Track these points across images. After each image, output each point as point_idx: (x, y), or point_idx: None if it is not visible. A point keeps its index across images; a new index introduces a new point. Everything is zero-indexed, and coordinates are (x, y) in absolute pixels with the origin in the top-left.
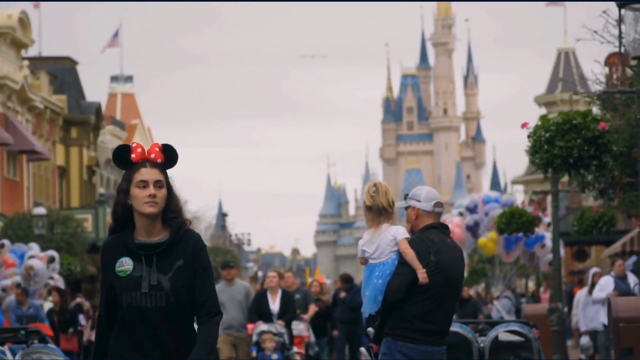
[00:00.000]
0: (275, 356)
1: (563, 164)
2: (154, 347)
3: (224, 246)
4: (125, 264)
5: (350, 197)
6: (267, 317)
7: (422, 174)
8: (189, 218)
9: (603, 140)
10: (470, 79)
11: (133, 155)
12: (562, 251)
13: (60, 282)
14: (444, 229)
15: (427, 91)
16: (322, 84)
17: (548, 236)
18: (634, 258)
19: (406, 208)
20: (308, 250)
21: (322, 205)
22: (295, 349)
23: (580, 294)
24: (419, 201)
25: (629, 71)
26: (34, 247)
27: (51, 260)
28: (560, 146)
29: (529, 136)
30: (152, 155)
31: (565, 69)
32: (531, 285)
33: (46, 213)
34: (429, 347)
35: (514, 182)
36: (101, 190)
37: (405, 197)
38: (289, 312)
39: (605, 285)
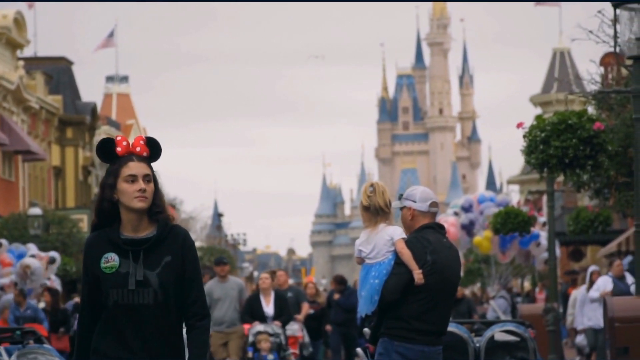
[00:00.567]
0: (271, 357)
1: (558, 163)
2: (140, 345)
3: (220, 246)
4: (111, 260)
5: (346, 197)
6: (261, 320)
7: (417, 174)
8: (183, 217)
9: (598, 140)
10: (465, 79)
11: (119, 149)
12: (558, 251)
13: (57, 283)
14: (440, 229)
15: (422, 91)
16: (318, 84)
17: (543, 235)
18: (629, 258)
19: (401, 208)
20: (304, 250)
21: (317, 205)
22: (290, 349)
23: (577, 293)
24: (414, 201)
25: (624, 71)
26: (31, 248)
27: (52, 261)
28: (556, 146)
29: (524, 136)
30: (138, 149)
31: (561, 68)
32: (527, 285)
33: (42, 213)
34: (425, 347)
35: (510, 182)
36: (97, 190)
37: (400, 197)
38: (284, 314)
39: (603, 285)
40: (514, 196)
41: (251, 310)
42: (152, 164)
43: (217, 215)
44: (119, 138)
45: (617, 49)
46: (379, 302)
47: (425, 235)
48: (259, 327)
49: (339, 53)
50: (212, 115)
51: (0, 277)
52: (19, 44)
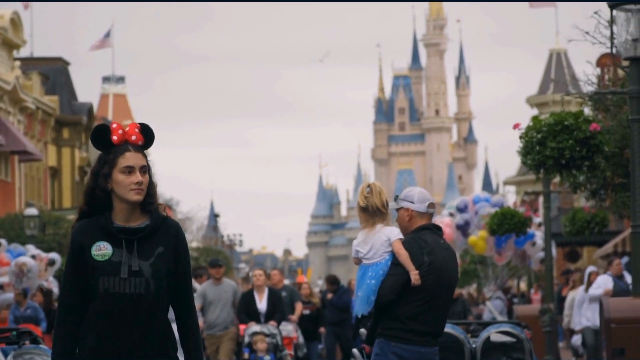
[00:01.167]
0: (267, 357)
1: (555, 164)
2: (127, 338)
3: (216, 247)
4: (104, 248)
5: (342, 198)
6: (254, 316)
7: (414, 175)
8: (179, 217)
9: (595, 141)
10: (462, 80)
11: (114, 137)
12: (554, 252)
13: (54, 285)
14: (437, 230)
15: (418, 92)
16: (314, 84)
17: (538, 234)
18: (625, 259)
19: (398, 209)
20: (300, 251)
21: (314, 206)
22: (286, 350)
23: (575, 293)
24: (412, 202)
25: (620, 72)
26: (31, 249)
27: (51, 263)
28: (552, 147)
29: (520, 137)
30: (134, 137)
31: (557, 69)
32: (523, 285)
33: (38, 214)
34: (421, 347)
35: (506, 183)
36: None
37: (396, 198)
38: (277, 312)
39: (603, 283)
40: (510, 197)
41: (246, 307)
42: (146, 151)
43: (214, 216)
44: (114, 126)
45: (614, 50)
46: (376, 302)
47: (422, 236)
48: (254, 327)
49: (335, 53)
50: (209, 115)
51: None
52: (16, 44)
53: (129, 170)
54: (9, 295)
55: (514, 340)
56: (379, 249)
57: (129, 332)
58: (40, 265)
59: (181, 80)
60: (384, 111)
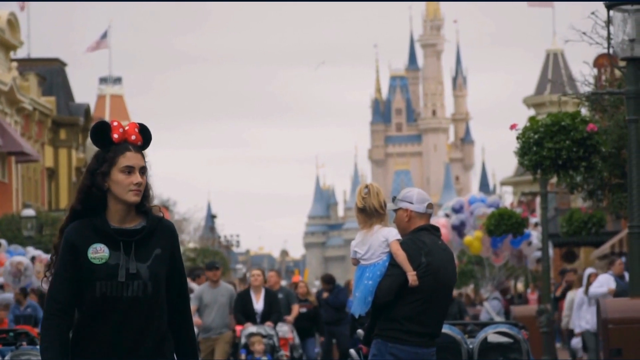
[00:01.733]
0: (264, 358)
1: (552, 165)
2: (125, 340)
3: (213, 248)
4: (100, 251)
5: (339, 199)
6: (250, 316)
7: (411, 176)
8: (176, 218)
9: (592, 141)
10: (459, 80)
11: (115, 135)
12: (551, 252)
13: None
14: (435, 230)
15: (415, 92)
16: (311, 85)
17: (534, 234)
18: (622, 259)
19: (396, 210)
20: (297, 251)
21: (311, 207)
22: (282, 351)
23: (574, 294)
24: (411, 202)
25: (617, 72)
26: (30, 251)
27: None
28: (549, 147)
29: (517, 137)
30: (133, 137)
31: (554, 70)
32: (520, 286)
33: (35, 215)
34: (419, 348)
35: (503, 184)
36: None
37: (394, 199)
38: (273, 312)
39: (606, 282)
40: (508, 198)
41: (243, 307)
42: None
43: (211, 217)
44: (115, 124)
45: (611, 51)
46: (373, 303)
47: (420, 237)
48: (251, 328)
49: (332, 54)
50: (206, 116)
51: None
52: (12, 45)
53: (129, 170)
54: (9, 295)
55: (511, 340)
56: (376, 249)
57: (126, 334)
58: (39, 266)
59: (179, 81)
60: (381, 112)
